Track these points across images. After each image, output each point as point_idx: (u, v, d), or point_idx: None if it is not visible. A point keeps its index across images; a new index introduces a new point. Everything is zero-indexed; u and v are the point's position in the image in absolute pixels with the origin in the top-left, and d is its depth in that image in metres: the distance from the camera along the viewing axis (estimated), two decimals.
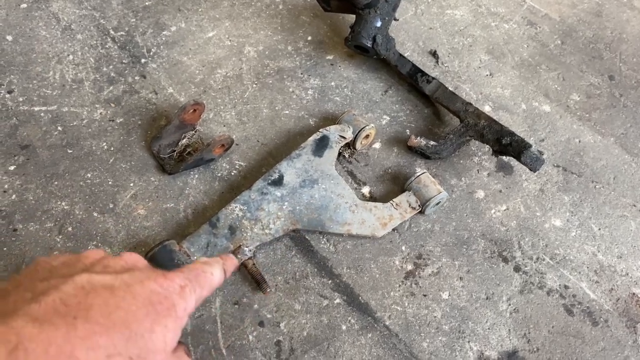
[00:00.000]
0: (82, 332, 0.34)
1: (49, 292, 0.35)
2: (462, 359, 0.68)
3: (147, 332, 0.37)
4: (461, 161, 0.85)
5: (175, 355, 0.41)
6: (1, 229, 0.75)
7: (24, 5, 1.00)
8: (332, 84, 0.93)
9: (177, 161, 0.80)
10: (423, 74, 0.88)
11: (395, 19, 0.91)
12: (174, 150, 0.81)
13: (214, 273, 0.47)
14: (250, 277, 0.71)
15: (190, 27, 0.99)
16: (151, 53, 0.95)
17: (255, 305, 0.70)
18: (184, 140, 0.82)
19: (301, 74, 0.94)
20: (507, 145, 0.76)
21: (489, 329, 0.71)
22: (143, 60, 0.93)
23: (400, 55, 0.90)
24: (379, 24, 0.87)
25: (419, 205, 0.76)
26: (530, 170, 0.75)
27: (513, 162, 0.85)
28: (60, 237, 0.75)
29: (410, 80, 0.89)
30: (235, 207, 0.74)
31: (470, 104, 0.83)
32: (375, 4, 0.86)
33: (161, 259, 0.69)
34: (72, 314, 0.34)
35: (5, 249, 0.74)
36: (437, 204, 0.77)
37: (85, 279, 0.37)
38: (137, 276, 0.40)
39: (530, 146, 0.74)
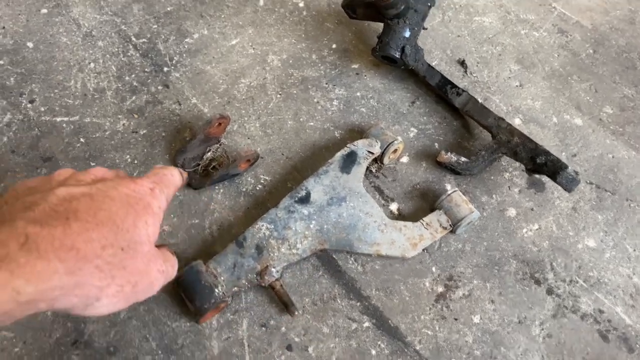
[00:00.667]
0: (76, 229, 0.38)
1: (38, 202, 0.39)
2: None
3: (131, 227, 0.42)
4: (492, 177, 0.82)
5: (160, 250, 0.48)
6: None
7: (44, 11, 0.98)
8: (358, 94, 0.91)
9: (203, 176, 0.79)
10: (453, 85, 0.86)
11: (424, 28, 0.89)
12: (199, 164, 0.79)
13: (173, 174, 0.53)
14: (277, 299, 0.70)
15: (213, 34, 0.97)
16: (174, 61, 0.93)
17: (283, 328, 0.69)
18: (209, 153, 0.80)
19: (326, 83, 0.92)
20: (542, 165, 0.73)
21: (521, 354, 0.69)
22: (166, 69, 0.92)
23: (429, 65, 0.88)
24: (407, 34, 0.84)
25: (450, 225, 0.74)
26: (565, 190, 0.73)
27: (545, 178, 0.82)
28: None
29: (439, 91, 0.87)
30: (262, 225, 0.72)
31: (503, 119, 0.80)
32: (405, 14, 0.83)
33: (189, 280, 0.67)
34: (63, 217, 0.38)
35: None
36: (469, 223, 0.75)
37: (64, 191, 0.41)
38: (109, 184, 0.44)
39: (567, 167, 0.72)
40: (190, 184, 0.79)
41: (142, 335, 0.68)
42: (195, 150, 0.79)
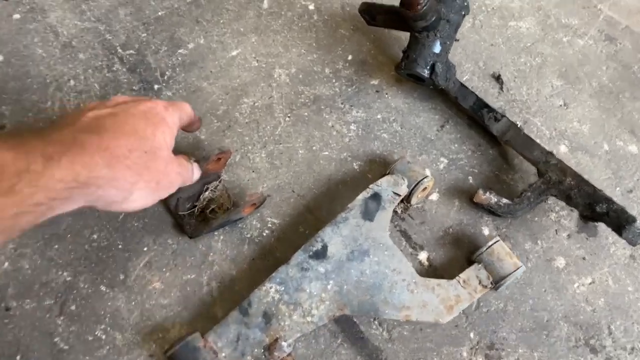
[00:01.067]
0: (106, 137, 0.47)
1: (75, 121, 0.48)
2: None
3: (150, 135, 0.51)
4: (536, 218, 0.71)
5: (177, 157, 0.56)
6: None
7: (16, 16, 0.85)
8: (379, 116, 0.78)
9: (200, 221, 0.67)
10: (490, 109, 0.74)
11: (455, 40, 0.76)
12: (195, 206, 0.68)
13: (184, 105, 0.60)
14: None
15: (210, 43, 0.84)
16: (165, 77, 0.80)
17: None
18: (207, 193, 0.68)
19: (341, 103, 0.79)
20: (603, 215, 0.62)
21: None
22: (156, 87, 0.79)
23: (462, 85, 0.76)
24: (438, 49, 0.72)
25: (492, 283, 0.63)
26: (630, 244, 0.62)
27: None
28: (62, 318, 0.63)
29: (473, 115, 0.75)
30: (271, 287, 0.61)
31: (552, 154, 0.68)
32: (435, 26, 0.71)
33: (183, 358, 0.57)
34: (95, 132, 0.47)
35: None
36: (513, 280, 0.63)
37: (93, 114, 0.49)
38: (129, 104, 0.52)
39: (635, 220, 0.60)
40: (185, 231, 0.67)
41: None
42: (191, 189, 0.68)
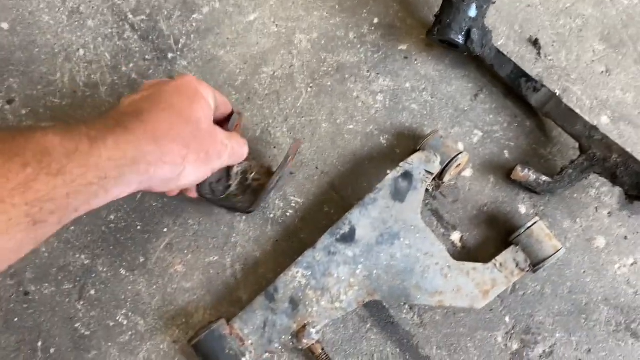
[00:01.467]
0: (146, 117, 0.47)
1: (113, 111, 0.49)
2: None
3: (187, 108, 0.51)
4: (575, 195, 0.67)
5: (221, 129, 0.56)
6: (10, 293, 0.61)
7: None
8: (407, 85, 0.74)
9: (249, 193, 0.63)
10: (529, 78, 0.68)
11: (492, 2, 0.70)
12: (230, 185, 0.63)
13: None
14: None
15: (226, 7, 0.79)
16: (180, 45, 0.76)
17: None
18: (237, 168, 0.64)
19: (367, 71, 0.75)
20: None
21: None
22: (170, 56, 0.75)
23: (498, 51, 0.70)
24: (474, 13, 0.67)
25: (530, 266, 0.60)
26: None
27: None
28: (81, 303, 0.61)
29: (510, 84, 0.70)
30: (297, 272, 0.58)
31: (596, 128, 0.64)
32: None
33: (209, 347, 0.55)
34: (134, 115, 0.48)
35: (16, 319, 0.60)
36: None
37: (128, 101, 0.51)
38: (161, 84, 0.53)
39: None
40: (239, 209, 0.63)
41: None
42: (217, 173, 0.62)
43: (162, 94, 0.51)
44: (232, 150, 0.56)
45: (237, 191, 0.63)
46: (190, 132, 0.50)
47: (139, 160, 0.44)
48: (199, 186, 0.59)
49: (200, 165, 0.51)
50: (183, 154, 0.48)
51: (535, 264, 0.59)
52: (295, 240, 0.64)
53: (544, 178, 0.64)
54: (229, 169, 0.63)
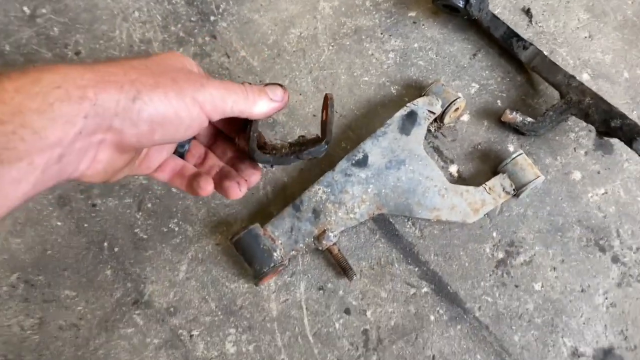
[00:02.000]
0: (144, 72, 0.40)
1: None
2: (555, 354, 0.66)
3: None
4: (557, 137, 0.78)
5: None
6: (81, 204, 0.74)
7: None
8: (415, 45, 0.86)
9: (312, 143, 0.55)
10: (519, 38, 0.80)
11: None
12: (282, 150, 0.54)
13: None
14: (334, 262, 0.69)
15: None
16: (220, 10, 0.88)
17: (341, 292, 0.69)
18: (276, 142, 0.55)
19: (381, 33, 0.87)
20: (617, 129, 0.69)
21: (584, 323, 0.68)
22: (212, 18, 0.88)
23: (494, 15, 0.82)
24: None
25: (514, 190, 0.71)
26: None
27: (613, 139, 0.77)
28: (140, 213, 0.73)
29: (503, 44, 0.82)
30: (319, 189, 0.70)
31: (574, 77, 0.75)
32: None
33: (247, 243, 0.67)
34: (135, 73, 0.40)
35: (85, 225, 0.73)
36: (533, 188, 0.72)
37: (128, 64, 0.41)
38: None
39: None
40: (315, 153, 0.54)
41: (202, 296, 0.69)
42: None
43: (159, 59, 0.44)
44: (228, 86, 0.44)
45: (288, 148, 0.54)
46: (141, 61, 0.42)
47: (67, 85, 0.35)
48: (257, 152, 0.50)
49: (168, 91, 0.40)
50: (131, 76, 0.38)
51: (519, 188, 0.71)
52: (316, 169, 0.76)
53: (529, 119, 0.75)
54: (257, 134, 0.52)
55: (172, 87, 0.40)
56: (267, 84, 0.48)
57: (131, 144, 0.40)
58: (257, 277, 0.66)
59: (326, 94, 0.54)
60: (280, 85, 0.49)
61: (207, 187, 0.50)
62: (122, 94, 0.37)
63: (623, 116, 0.69)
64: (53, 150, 0.35)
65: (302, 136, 0.57)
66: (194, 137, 0.53)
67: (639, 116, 0.80)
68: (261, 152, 0.50)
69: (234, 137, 0.53)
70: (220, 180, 0.51)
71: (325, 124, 0.53)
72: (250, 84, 0.46)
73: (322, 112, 0.55)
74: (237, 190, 0.51)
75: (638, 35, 0.86)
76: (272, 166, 0.57)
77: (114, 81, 0.37)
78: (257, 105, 0.47)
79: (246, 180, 0.52)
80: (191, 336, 0.67)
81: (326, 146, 0.52)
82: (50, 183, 0.37)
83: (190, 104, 0.41)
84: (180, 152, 0.52)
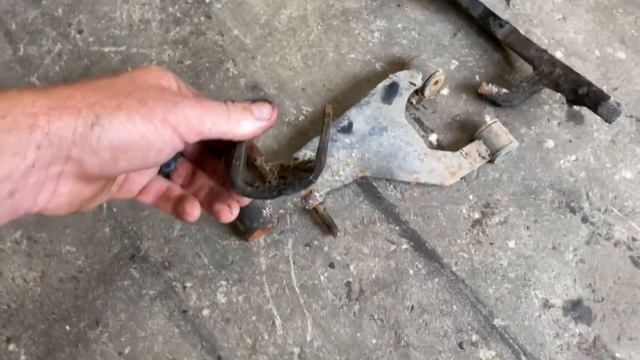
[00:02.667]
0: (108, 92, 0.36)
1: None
2: (527, 305, 0.70)
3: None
4: (531, 109, 0.83)
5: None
6: None
7: None
8: (399, 25, 0.91)
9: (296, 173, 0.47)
10: (495, 17, 0.85)
11: None
12: (269, 181, 0.46)
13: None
14: (320, 221, 0.73)
15: None
16: None
17: (326, 248, 0.73)
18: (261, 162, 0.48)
19: (367, 15, 0.92)
20: (584, 96, 0.74)
21: (554, 278, 0.72)
22: (207, 0, 0.93)
23: None
24: None
25: (489, 155, 0.76)
26: (606, 121, 0.74)
27: (584, 111, 0.82)
28: None
29: (481, 23, 0.87)
30: (306, 153, 0.75)
31: (545, 51, 0.80)
32: None
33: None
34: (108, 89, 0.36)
35: None
36: (507, 153, 0.76)
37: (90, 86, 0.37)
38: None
39: (609, 97, 0.72)
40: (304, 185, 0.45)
41: (195, 252, 0.73)
42: (244, 173, 0.46)
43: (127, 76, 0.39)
44: (207, 104, 0.39)
45: (275, 180, 0.46)
46: (108, 81, 0.37)
47: (15, 113, 0.31)
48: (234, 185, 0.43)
49: (133, 113, 0.35)
50: (90, 99, 0.34)
51: (494, 153, 0.76)
52: (305, 137, 0.81)
53: (504, 90, 0.80)
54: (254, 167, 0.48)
55: (137, 109, 0.36)
56: (253, 101, 0.42)
57: (94, 173, 0.36)
58: (247, 232, 0.71)
59: (325, 107, 0.50)
60: (269, 102, 0.43)
61: (194, 211, 0.45)
62: (79, 120, 0.33)
63: (589, 84, 0.74)
64: (2, 186, 0.31)
65: (296, 158, 0.54)
66: (182, 154, 0.49)
67: (609, 90, 0.85)
68: (243, 185, 0.43)
69: (221, 155, 0.47)
70: (210, 203, 0.47)
71: (318, 151, 0.45)
72: (233, 102, 0.41)
73: (321, 129, 0.48)
74: (229, 214, 0.46)
75: (609, 17, 0.92)
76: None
77: (70, 106, 0.33)
78: (241, 125, 0.41)
79: (238, 201, 0.47)
80: (184, 287, 0.71)
81: (313, 181, 0.45)
82: (3, 220, 0.33)
83: (160, 126, 0.36)
84: (165, 171, 0.47)
